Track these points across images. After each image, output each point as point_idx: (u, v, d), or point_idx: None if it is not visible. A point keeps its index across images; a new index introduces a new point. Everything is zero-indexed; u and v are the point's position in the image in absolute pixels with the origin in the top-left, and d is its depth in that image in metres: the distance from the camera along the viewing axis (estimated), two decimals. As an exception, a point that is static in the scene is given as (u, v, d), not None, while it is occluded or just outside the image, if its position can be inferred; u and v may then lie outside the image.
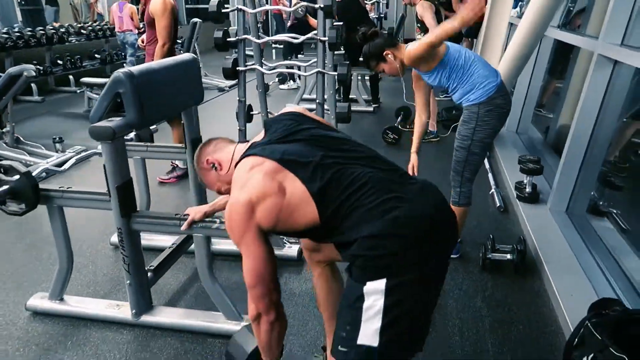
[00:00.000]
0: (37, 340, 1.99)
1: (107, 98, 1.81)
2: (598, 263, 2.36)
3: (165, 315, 2.07)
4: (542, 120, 4.59)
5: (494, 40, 4.46)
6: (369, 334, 1.12)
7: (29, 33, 6.41)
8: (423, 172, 2.44)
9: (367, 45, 2.33)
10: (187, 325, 2.03)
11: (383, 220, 1.12)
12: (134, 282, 1.99)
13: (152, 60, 3.53)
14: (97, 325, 2.08)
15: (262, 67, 4.12)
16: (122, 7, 6.69)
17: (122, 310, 2.08)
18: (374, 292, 1.11)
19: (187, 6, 12.06)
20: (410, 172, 2.22)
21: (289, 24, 7.25)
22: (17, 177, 1.87)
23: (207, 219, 1.83)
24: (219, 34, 3.83)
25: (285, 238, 2.58)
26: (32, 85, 6.02)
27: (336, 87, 4.06)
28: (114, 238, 2.72)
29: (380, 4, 7.73)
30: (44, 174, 3.40)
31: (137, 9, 6.79)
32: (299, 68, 5.20)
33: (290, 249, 2.56)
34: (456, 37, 4.20)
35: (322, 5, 3.63)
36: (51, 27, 7.04)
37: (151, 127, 4.08)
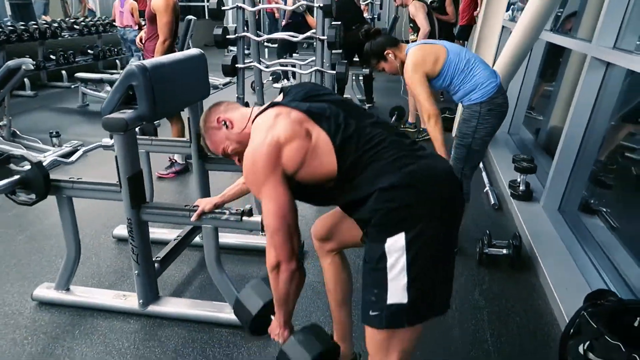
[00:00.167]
0: (44, 329, 2.01)
1: (120, 90, 1.85)
2: (590, 258, 2.45)
3: (172, 306, 2.11)
4: (532, 122, 4.70)
5: (487, 42, 4.56)
6: (397, 292, 1.16)
7: (22, 27, 6.36)
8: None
9: (369, 44, 2.39)
10: (194, 315, 2.07)
11: (401, 172, 1.19)
12: (142, 273, 2.02)
13: (152, 56, 3.54)
14: (104, 315, 2.11)
15: (260, 64, 4.17)
16: (123, 2, 6.68)
17: (129, 300, 2.11)
18: (395, 250, 1.15)
19: (180, 4, 12.03)
20: None
21: (283, 22, 7.28)
22: (28, 167, 1.89)
23: (216, 210, 1.87)
24: (218, 31, 3.87)
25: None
26: (25, 79, 5.98)
27: (332, 86, 4.11)
28: (117, 231, 2.76)
29: (374, 5, 7.81)
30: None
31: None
32: (295, 66, 5.24)
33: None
34: (449, 40, 4.29)
35: (321, 5, 3.69)
36: (44, 22, 7.00)
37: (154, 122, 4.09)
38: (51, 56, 6.87)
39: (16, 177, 1.89)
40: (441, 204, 1.21)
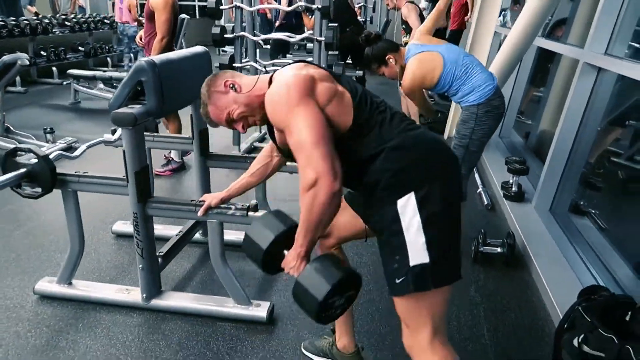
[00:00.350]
0: (47, 323, 2.02)
1: (129, 85, 1.87)
2: (581, 256, 2.53)
3: (175, 300, 2.13)
4: (522, 126, 4.81)
5: (480, 47, 4.65)
6: (417, 251, 1.21)
7: (13, 22, 6.29)
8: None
9: (370, 48, 2.44)
10: (197, 309, 2.09)
11: (406, 135, 1.29)
12: (146, 267, 2.04)
13: (150, 54, 3.55)
14: (106, 308, 2.12)
15: (256, 63, 4.21)
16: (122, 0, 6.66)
17: (132, 294, 2.13)
18: (407, 210, 1.22)
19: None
20: None
21: (277, 23, 7.31)
22: (35, 160, 1.90)
23: (222, 205, 1.90)
24: (216, 30, 3.90)
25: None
26: (16, 75, 5.92)
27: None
28: (116, 227, 2.76)
29: (367, 8, 7.89)
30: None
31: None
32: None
33: (292, 240, 2.64)
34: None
35: (319, 6, 3.75)
36: (35, 18, 6.93)
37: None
38: (42, 52, 6.81)
39: (23, 170, 1.89)
40: (444, 165, 1.31)
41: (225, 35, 3.89)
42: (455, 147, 2.41)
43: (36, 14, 9.20)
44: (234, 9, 3.95)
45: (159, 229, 2.65)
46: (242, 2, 3.89)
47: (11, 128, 4.06)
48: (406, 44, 2.48)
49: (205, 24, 12.23)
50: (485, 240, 2.62)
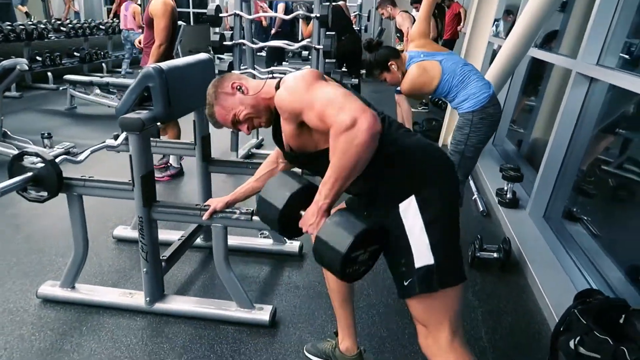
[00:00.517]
0: (51, 326, 2.03)
1: (136, 91, 1.90)
2: (575, 261, 2.59)
3: (178, 303, 2.15)
4: (514, 135, 4.90)
5: (474, 56, 4.74)
6: (422, 253, 1.25)
7: (9, 28, 6.30)
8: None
9: (373, 55, 2.49)
10: (200, 312, 2.11)
11: (404, 141, 1.33)
12: (150, 270, 2.06)
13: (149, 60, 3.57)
14: (110, 312, 2.13)
15: (254, 70, 4.25)
16: (127, 6, 6.71)
17: (135, 298, 2.15)
18: (409, 212, 1.26)
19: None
20: None
21: (273, 31, 7.37)
22: (41, 164, 1.92)
23: (227, 210, 1.93)
24: (216, 37, 3.95)
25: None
26: (11, 80, 5.91)
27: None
28: (117, 231, 2.78)
29: (363, 17, 7.98)
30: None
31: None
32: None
33: (292, 245, 2.68)
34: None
35: (318, 15, 3.81)
36: (31, 23, 6.93)
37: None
38: (37, 57, 6.81)
39: (29, 174, 1.91)
40: (441, 170, 1.36)
41: (225, 43, 3.93)
42: (451, 153, 2.46)
43: (27, 14, 9.18)
44: (230, 17, 4.01)
45: (160, 234, 2.68)
46: (241, 10, 3.95)
47: (9, 133, 4.06)
48: (401, 51, 2.53)
49: (199, 31, 12.29)
50: (482, 245, 2.67)
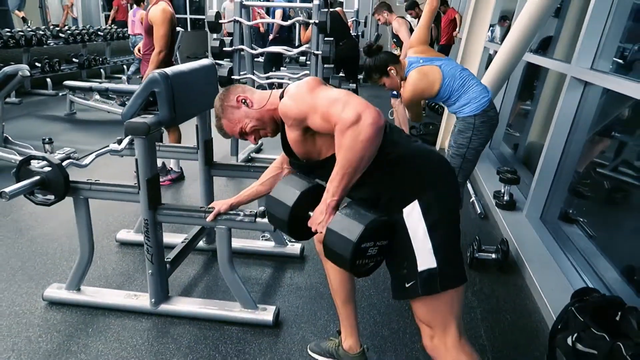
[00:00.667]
0: (57, 328, 2.06)
1: (142, 96, 1.95)
2: (571, 262, 2.63)
3: (183, 305, 2.18)
4: (510, 138, 4.97)
5: (470, 61, 4.81)
6: (425, 257, 1.29)
7: (8, 34, 6.33)
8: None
9: (372, 59, 2.54)
10: (205, 313, 2.14)
11: (405, 148, 1.37)
12: (155, 272, 2.10)
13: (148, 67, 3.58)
14: (115, 314, 2.16)
15: (254, 76, 4.30)
16: (135, 12, 6.76)
17: (140, 300, 2.18)
18: (413, 217, 1.29)
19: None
20: None
21: (270, 37, 7.44)
22: (48, 168, 1.95)
23: (231, 212, 1.97)
24: (215, 43, 4.00)
25: (287, 238, 2.72)
26: (10, 86, 5.94)
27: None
28: (120, 235, 2.81)
29: (360, 23, 8.06)
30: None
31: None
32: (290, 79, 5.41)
33: (293, 247, 2.72)
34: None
35: (316, 21, 3.87)
36: (30, 29, 6.97)
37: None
38: (36, 64, 6.84)
39: (37, 177, 1.94)
40: (443, 174, 1.40)
41: (224, 49, 3.98)
42: (452, 156, 2.51)
43: (23, 19, 9.21)
44: (228, 24, 4.07)
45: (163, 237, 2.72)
46: (241, 17, 4.00)
47: (10, 138, 4.09)
48: (397, 55, 2.59)
49: (196, 37, 12.36)
50: (480, 246, 2.72)
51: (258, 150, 4.66)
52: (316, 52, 3.96)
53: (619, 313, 1.83)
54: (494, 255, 2.68)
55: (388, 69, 2.47)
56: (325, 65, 4.18)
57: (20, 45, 6.51)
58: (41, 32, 6.99)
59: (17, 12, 9.31)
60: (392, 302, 2.31)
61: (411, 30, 5.03)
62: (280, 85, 7.41)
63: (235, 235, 2.48)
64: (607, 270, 2.50)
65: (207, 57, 11.32)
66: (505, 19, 5.38)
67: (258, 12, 6.87)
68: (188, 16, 13.15)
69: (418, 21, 6.17)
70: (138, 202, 2.01)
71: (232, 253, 2.11)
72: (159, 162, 3.78)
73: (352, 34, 7.38)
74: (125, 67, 8.65)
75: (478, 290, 2.48)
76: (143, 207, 2.00)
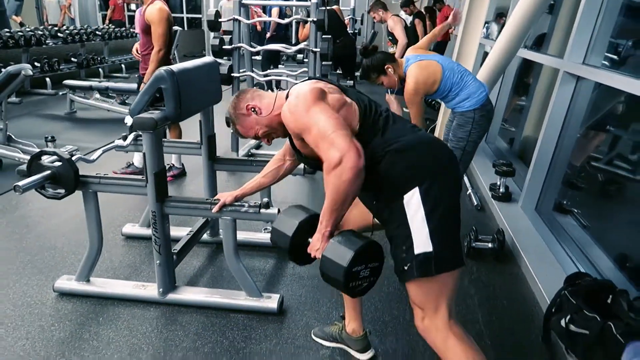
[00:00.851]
0: (69, 317, 2.13)
1: (149, 92, 2.01)
2: (565, 250, 2.72)
3: (190, 294, 2.25)
4: (506, 133, 5.05)
5: (466, 58, 4.89)
6: (422, 241, 1.36)
7: (7, 34, 6.37)
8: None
9: (369, 59, 2.62)
10: (211, 302, 2.21)
11: (409, 137, 1.45)
12: (163, 262, 2.16)
13: (147, 67, 3.62)
14: (124, 303, 2.23)
15: (253, 73, 4.37)
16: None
17: (149, 289, 2.25)
18: (413, 203, 1.37)
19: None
20: None
21: (268, 35, 7.50)
22: (59, 163, 2.02)
23: (236, 203, 2.04)
24: (215, 41, 4.06)
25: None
26: (10, 86, 5.98)
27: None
28: (125, 229, 2.88)
29: (357, 21, 8.13)
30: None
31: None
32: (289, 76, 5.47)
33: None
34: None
35: (315, 19, 3.94)
36: (28, 29, 7.01)
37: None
38: (35, 63, 6.88)
39: (47, 172, 2.01)
40: (444, 162, 1.47)
41: (224, 47, 4.05)
42: (452, 149, 2.58)
43: (21, 24, 9.25)
44: (226, 22, 4.13)
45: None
46: (239, 15, 4.07)
47: (13, 137, 4.14)
48: (393, 54, 2.67)
49: (193, 36, 12.40)
50: (477, 236, 2.80)
51: (258, 147, 4.73)
52: (314, 49, 4.03)
53: (610, 296, 1.91)
54: (490, 245, 2.75)
55: (385, 67, 2.54)
56: (323, 63, 4.25)
57: (19, 45, 6.55)
58: (40, 32, 7.03)
59: (14, 17, 9.35)
60: (392, 290, 2.38)
61: (406, 27, 5.11)
62: (278, 83, 7.49)
63: (239, 227, 2.56)
64: (600, 258, 2.58)
65: (203, 55, 11.35)
66: (501, 15, 5.46)
67: (255, 11, 6.93)
68: (185, 15, 13.20)
69: (413, 18, 6.27)
70: (146, 195, 2.08)
71: (240, 245, 2.17)
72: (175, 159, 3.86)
73: (349, 32, 7.45)
74: (123, 66, 8.70)
75: (475, 278, 2.56)
76: (151, 199, 2.07)
